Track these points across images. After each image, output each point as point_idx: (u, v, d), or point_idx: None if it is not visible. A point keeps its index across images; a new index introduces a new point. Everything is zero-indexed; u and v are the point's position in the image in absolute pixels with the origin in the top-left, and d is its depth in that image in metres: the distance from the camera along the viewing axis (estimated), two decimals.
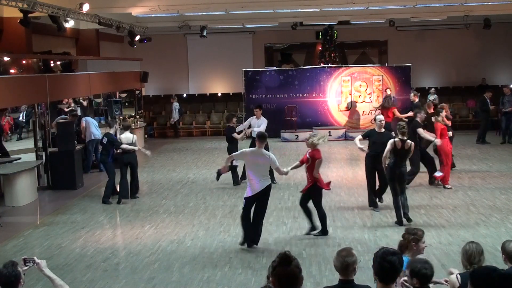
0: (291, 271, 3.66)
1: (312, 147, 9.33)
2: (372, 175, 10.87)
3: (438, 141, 12.16)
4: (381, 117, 11.28)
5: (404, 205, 9.90)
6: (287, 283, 3.67)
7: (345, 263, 4.23)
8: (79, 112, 16.70)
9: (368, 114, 20.51)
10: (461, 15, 19.25)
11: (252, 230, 8.93)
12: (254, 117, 13.80)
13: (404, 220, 9.83)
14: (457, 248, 8.08)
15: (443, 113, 12.58)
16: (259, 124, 13.46)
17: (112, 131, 12.60)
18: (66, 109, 16.76)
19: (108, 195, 12.20)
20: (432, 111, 13.65)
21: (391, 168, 9.94)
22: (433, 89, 21.36)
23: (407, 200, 10.03)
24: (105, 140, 12.23)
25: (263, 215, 9.09)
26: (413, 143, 9.99)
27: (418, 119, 12.54)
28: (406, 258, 4.90)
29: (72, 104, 17.97)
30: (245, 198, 8.97)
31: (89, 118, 15.87)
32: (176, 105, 22.12)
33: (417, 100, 15.90)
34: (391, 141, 9.94)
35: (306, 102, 20.89)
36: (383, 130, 10.84)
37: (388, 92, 18.63)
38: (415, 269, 4.32)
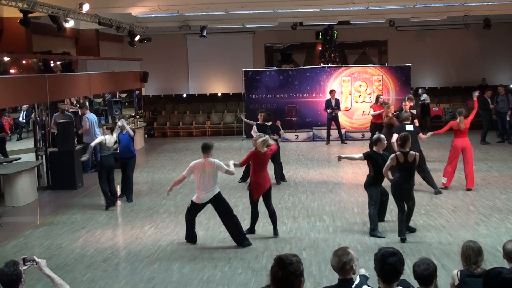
0: (284, 275, 3.58)
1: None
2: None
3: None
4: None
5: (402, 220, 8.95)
6: (281, 287, 3.63)
7: (341, 262, 4.22)
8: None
9: (368, 114, 20.47)
10: (461, 15, 19.24)
11: (234, 231, 9.09)
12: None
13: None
14: (457, 248, 8.05)
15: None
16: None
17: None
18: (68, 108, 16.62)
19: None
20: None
21: (395, 184, 8.97)
22: (420, 89, 21.41)
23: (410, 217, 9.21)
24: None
25: (230, 215, 9.16)
26: (417, 154, 8.88)
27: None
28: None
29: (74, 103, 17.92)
30: (192, 201, 9.16)
31: (91, 116, 15.31)
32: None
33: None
34: (391, 156, 8.84)
35: (306, 102, 20.88)
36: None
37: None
38: (417, 271, 4.38)
